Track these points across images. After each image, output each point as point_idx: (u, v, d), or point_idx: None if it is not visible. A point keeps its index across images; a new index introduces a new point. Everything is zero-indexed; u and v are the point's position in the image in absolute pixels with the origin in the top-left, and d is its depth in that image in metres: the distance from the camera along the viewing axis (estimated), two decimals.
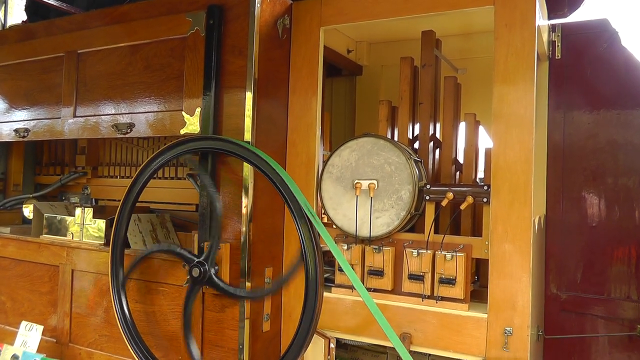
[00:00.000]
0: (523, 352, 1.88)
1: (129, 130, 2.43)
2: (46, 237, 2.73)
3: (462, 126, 2.41)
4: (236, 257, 2.14)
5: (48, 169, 3.39)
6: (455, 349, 2.00)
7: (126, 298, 2.29)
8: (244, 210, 2.13)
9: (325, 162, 2.28)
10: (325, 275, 2.36)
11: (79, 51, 2.64)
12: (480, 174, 2.40)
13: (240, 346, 2.12)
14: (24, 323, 2.55)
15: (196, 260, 2.11)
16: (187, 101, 2.26)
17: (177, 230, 2.83)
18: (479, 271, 2.26)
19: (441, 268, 2.03)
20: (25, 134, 2.83)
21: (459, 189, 2.05)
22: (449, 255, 2.02)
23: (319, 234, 1.92)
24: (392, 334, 1.80)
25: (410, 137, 2.39)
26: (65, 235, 2.66)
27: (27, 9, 3.48)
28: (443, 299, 2.04)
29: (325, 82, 2.91)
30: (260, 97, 2.17)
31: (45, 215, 2.77)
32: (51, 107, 2.75)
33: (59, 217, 2.73)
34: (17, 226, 2.99)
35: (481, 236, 2.02)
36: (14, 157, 3.30)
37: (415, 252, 2.08)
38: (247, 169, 2.13)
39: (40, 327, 2.50)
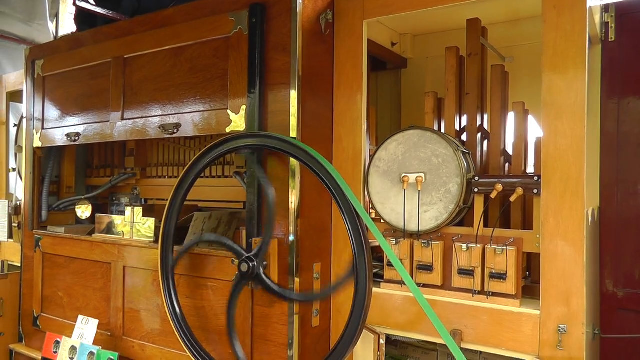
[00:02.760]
0: (578, 351, 1.86)
1: (175, 131, 2.55)
2: (98, 236, 2.90)
3: (510, 116, 2.41)
4: (284, 252, 2.22)
5: (99, 171, 3.58)
6: (508, 347, 2.00)
7: (176, 293, 2.42)
8: (291, 206, 2.20)
9: (371, 157, 2.33)
10: (374, 271, 2.40)
11: (125, 56, 2.79)
12: (530, 169, 2.39)
13: (290, 341, 2.20)
14: (80, 317, 2.73)
15: (246, 255, 2.20)
16: (232, 100, 2.36)
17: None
18: (530, 266, 2.26)
19: (491, 262, 2.05)
20: (77, 138, 3.01)
21: (508, 180, 2.06)
22: (499, 249, 2.03)
23: (367, 229, 1.98)
24: (443, 330, 1.83)
25: (458, 128, 2.40)
26: (117, 234, 2.82)
27: (76, 19, 3.68)
28: (494, 294, 2.05)
29: (370, 76, 2.94)
30: (305, 93, 2.24)
31: (97, 215, 2.95)
32: (100, 111, 2.92)
33: (109, 216, 2.89)
34: (70, 226, 3.18)
35: (532, 229, 2.03)
36: (66, 161, 3.50)
37: (464, 247, 2.10)
38: (294, 165, 2.20)
39: (96, 321, 2.68)
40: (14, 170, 4.04)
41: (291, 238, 2.20)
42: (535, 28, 2.01)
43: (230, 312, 2.25)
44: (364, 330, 2.27)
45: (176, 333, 2.38)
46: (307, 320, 2.28)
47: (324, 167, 2.02)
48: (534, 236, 1.99)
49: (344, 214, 1.98)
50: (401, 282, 2.22)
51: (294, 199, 2.20)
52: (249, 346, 2.31)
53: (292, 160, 2.18)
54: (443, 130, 2.44)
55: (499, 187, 2.05)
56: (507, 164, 2.39)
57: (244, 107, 2.31)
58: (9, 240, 3.71)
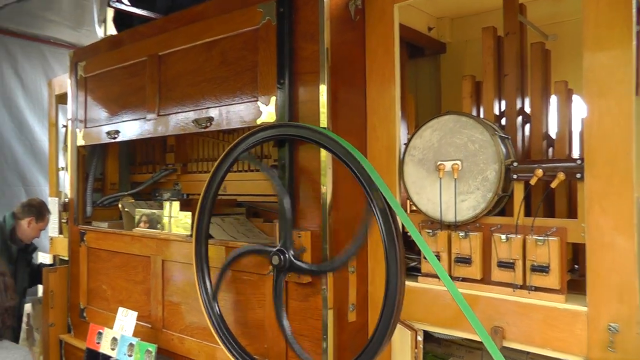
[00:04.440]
0: (633, 353, 1.67)
1: (208, 124, 2.54)
2: (138, 230, 2.94)
3: (553, 98, 2.24)
4: (318, 245, 2.15)
5: (141, 168, 3.65)
6: (553, 347, 1.84)
7: (212, 287, 2.39)
8: (323, 198, 2.13)
9: (406, 145, 2.23)
10: (412, 264, 2.31)
11: (159, 54, 2.81)
12: (577, 153, 2.21)
13: (324, 336, 2.13)
14: (120, 309, 2.78)
15: (274, 249, 2.15)
16: (262, 91, 2.32)
17: (265, 221, 2.93)
18: (577, 258, 2.08)
19: (533, 254, 1.90)
20: (116, 136, 3.07)
21: (548, 165, 1.91)
22: (540, 240, 1.88)
23: (399, 220, 1.88)
24: (479, 327, 1.70)
25: (497, 112, 2.27)
26: (156, 228, 2.83)
27: (114, 20, 3.77)
28: (537, 289, 1.90)
29: (408, 64, 2.85)
30: (336, 81, 2.16)
31: (137, 210, 2.98)
32: (137, 108, 2.96)
33: (149, 211, 2.92)
34: (114, 221, 3.25)
35: (577, 218, 1.86)
36: (110, 159, 3.60)
37: (503, 237, 1.97)
38: (325, 155, 2.13)
39: (135, 313, 2.72)
40: (62, 169, 4.17)
41: (324, 230, 2.13)
42: (579, 1, 1.86)
43: (280, 314, 2.17)
44: (401, 327, 2.19)
45: (211, 327, 2.35)
46: (342, 315, 2.20)
47: (352, 155, 1.93)
48: (579, 225, 1.83)
49: (372, 203, 1.89)
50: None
51: (325, 190, 2.13)
52: (283, 341, 2.25)
53: (323, 150, 2.11)
54: (482, 116, 2.31)
55: (539, 172, 1.89)
56: (550, 149, 2.23)
57: (274, 97, 2.26)
58: (60, 235, 3.84)
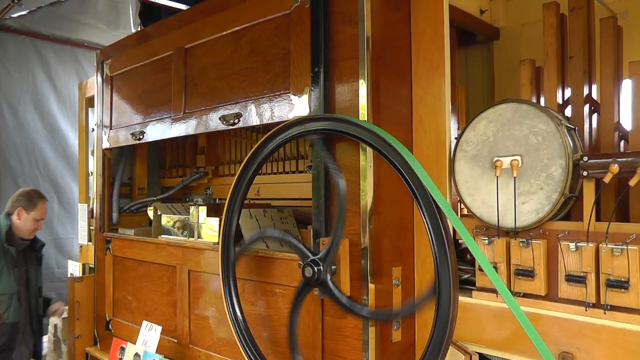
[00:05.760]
0: None
1: (236, 121, 2.44)
2: (163, 238, 2.87)
3: (626, 82, 2.03)
4: (357, 254, 2.00)
5: (171, 171, 3.62)
6: None
7: (238, 296, 2.29)
8: (363, 201, 1.98)
9: (457, 139, 2.06)
10: (466, 277, 2.14)
11: (186, 46, 2.75)
12: None
13: (365, 357, 1.98)
14: (144, 323, 2.75)
15: (311, 257, 2.00)
16: (294, 81, 2.20)
17: (300, 227, 2.80)
18: None
19: (608, 266, 1.70)
20: (141, 137, 3.02)
21: (625, 159, 1.70)
22: (617, 249, 1.68)
23: (451, 226, 1.71)
24: (547, 354, 1.51)
25: (560, 101, 2.08)
26: (182, 235, 2.74)
27: (141, 15, 3.76)
28: (613, 308, 1.71)
29: (458, 51, 2.69)
30: (377, 68, 2.02)
31: (166, 216, 2.89)
32: (163, 106, 2.91)
33: (182, 217, 2.82)
34: (141, 228, 3.21)
35: None
36: (138, 162, 3.57)
37: (572, 246, 1.77)
38: (366, 152, 1.98)
39: (159, 328, 2.66)
40: (91, 174, 4.17)
41: (364, 238, 1.98)
42: None
43: (292, 323, 2.06)
44: (453, 349, 2.01)
45: (238, 344, 2.24)
46: (386, 334, 2.05)
47: (397, 151, 1.77)
48: None
49: (421, 207, 1.73)
50: (497, 291, 1.92)
51: (367, 192, 1.97)
52: None
53: (363, 146, 1.96)
54: (543, 105, 2.11)
55: (615, 168, 1.69)
56: (622, 142, 2.02)
57: (307, 88, 2.14)
58: (89, 243, 3.82)
